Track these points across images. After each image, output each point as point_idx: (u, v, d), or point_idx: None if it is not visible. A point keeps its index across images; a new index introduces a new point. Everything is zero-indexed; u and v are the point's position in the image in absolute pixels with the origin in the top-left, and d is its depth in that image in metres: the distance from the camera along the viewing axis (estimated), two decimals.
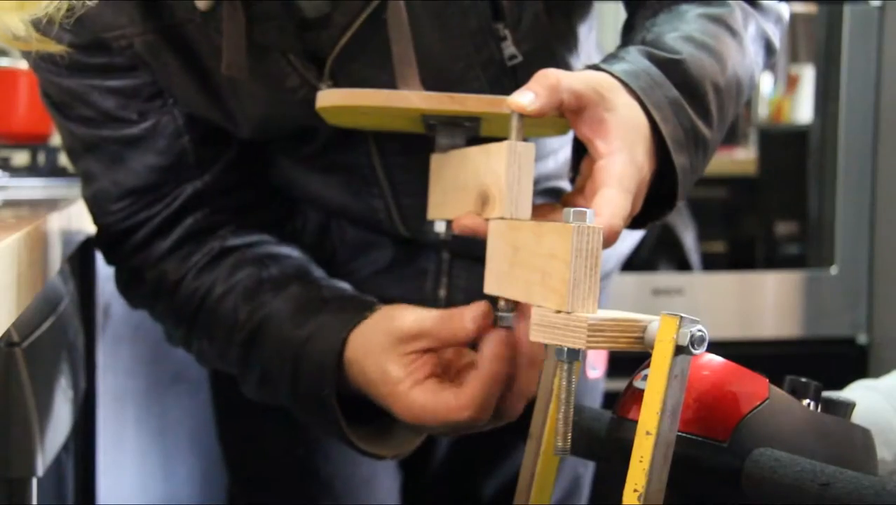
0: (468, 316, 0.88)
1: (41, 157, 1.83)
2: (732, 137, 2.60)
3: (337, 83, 0.98)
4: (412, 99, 0.92)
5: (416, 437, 0.99)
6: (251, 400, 1.21)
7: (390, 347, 0.90)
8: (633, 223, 0.90)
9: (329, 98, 0.94)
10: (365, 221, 1.09)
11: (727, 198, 2.62)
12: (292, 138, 1.07)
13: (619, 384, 1.27)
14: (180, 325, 1.07)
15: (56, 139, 1.91)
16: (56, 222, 1.03)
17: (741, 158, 2.59)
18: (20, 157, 1.92)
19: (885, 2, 2.36)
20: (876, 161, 2.38)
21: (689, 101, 0.91)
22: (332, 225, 1.12)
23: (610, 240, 0.82)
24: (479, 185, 0.88)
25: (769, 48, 1.04)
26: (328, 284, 1.03)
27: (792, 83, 2.58)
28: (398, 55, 0.95)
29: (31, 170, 1.81)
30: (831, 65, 2.40)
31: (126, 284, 1.11)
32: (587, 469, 1.29)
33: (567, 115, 0.86)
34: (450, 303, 1.09)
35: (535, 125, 0.89)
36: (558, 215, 0.87)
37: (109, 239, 1.09)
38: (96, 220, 1.10)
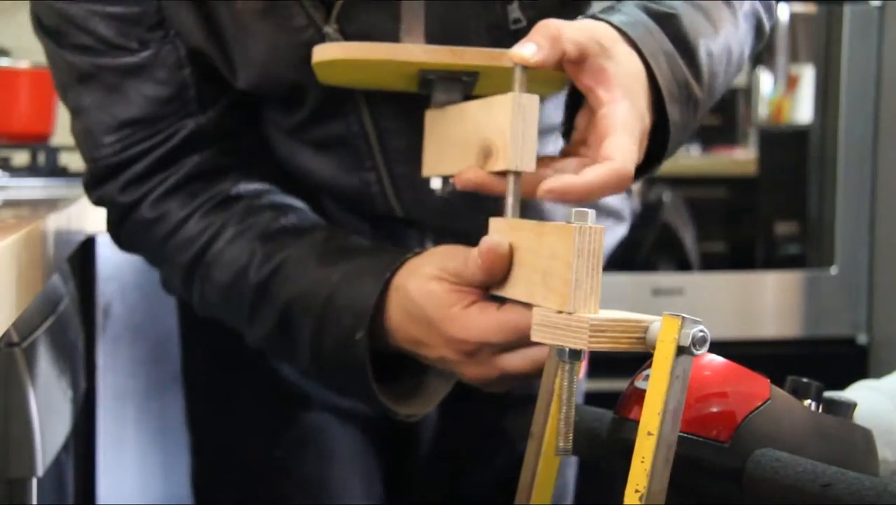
0: (473, 265, 0.86)
1: (41, 157, 1.83)
2: (732, 137, 2.60)
3: (342, 28, 0.97)
4: (412, 51, 0.91)
5: (436, 394, 0.97)
6: (226, 401, 1.19)
7: (439, 274, 0.90)
8: None
9: (327, 52, 0.93)
10: (356, 199, 1.08)
11: (727, 198, 2.62)
12: (282, 105, 1.05)
13: (604, 385, 1.27)
14: (181, 266, 1.03)
15: (56, 139, 1.91)
16: (56, 222, 1.03)
17: (741, 158, 2.59)
18: (20, 157, 1.92)
19: (885, 2, 2.36)
20: (876, 161, 2.38)
21: (682, 56, 0.91)
22: (317, 210, 1.10)
23: (624, 183, 0.82)
24: (481, 140, 0.87)
25: (759, 31, 1.04)
26: (353, 236, 1.02)
27: (792, 83, 2.57)
28: (407, 6, 0.95)
29: (31, 170, 1.81)
30: (831, 65, 2.40)
31: (118, 223, 1.06)
32: (571, 469, 1.28)
33: (567, 66, 0.85)
34: None
35: (529, 82, 0.89)
36: (560, 164, 0.87)
37: (101, 173, 1.04)
38: (87, 155, 1.05)
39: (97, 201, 1.07)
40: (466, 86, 0.93)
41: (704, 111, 0.95)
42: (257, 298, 0.99)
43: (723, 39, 0.96)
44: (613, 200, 1.17)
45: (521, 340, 0.86)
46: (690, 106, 0.92)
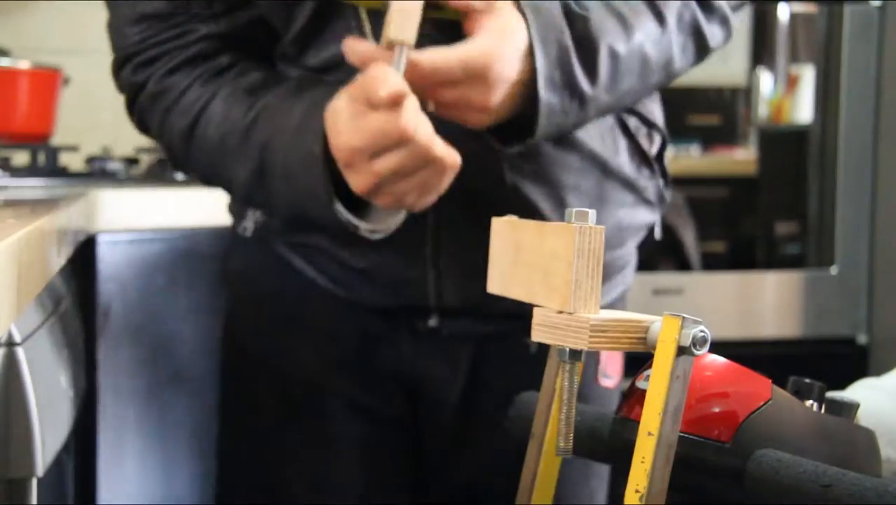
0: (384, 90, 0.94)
1: (41, 157, 1.83)
2: (732, 137, 2.60)
3: None
4: None
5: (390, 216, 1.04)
6: (247, 396, 1.19)
7: (350, 90, 0.98)
8: (492, 133, 1.01)
9: None
10: None
11: (727, 198, 2.62)
12: (283, 15, 1.10)
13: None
14: (182, 132, 1.13)
15: (56, 139, 1.91)
16: (56, 222, 1.03)
17: (741, 158, 2.59)
18: (20, 157, 1.92)
19: (885, 2, 2.36)
20: (876, 161, 2.38)
21: (580, 53, 0.99)
22: None
23: (415, 68, 0.94)
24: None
25: (701, 45, 1.10)
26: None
27: (792, 83, 2.58)
28: None
29: (31, 170, 1.81)
30: (831, 65, 2.41)
31: (132, 102, 1.17)
32: (599, 480, 1.27)
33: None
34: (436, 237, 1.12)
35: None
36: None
37: (122, 60, 1.16)
38: (114, 46, 1.17)
39: (120, 87, 1.19)
40: None
41: (599, 105, 1.03)
42: (243, 140, 1.09)
43: (637, 45, 1.03)
44: (630, 171, 1.17)
45: (391, 145, 0.94)
46: (575, 98, 1.00)
